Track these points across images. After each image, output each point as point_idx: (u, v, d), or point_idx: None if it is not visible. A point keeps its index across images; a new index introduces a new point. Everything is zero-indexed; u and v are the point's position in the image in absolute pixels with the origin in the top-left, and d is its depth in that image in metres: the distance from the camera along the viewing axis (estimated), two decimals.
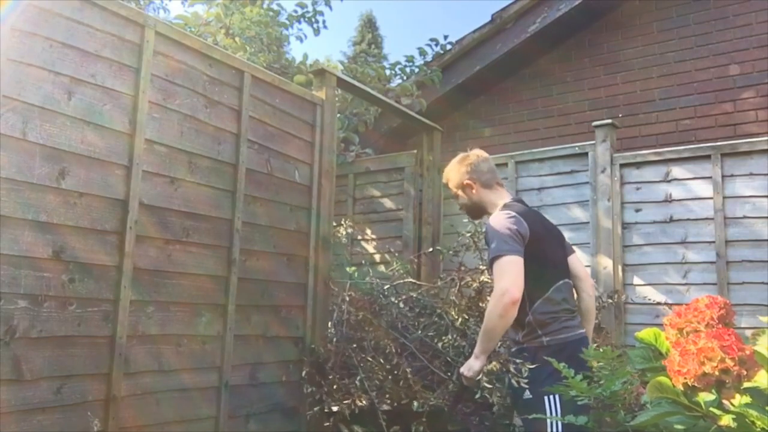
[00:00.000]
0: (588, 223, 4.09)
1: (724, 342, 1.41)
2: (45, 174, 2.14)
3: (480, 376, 2.47)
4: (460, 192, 2.70)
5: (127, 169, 2.41)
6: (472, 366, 2.43)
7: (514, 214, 2.41)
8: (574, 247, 2.77)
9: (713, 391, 1.44)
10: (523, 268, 2.29)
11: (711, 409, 1.46)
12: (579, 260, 2.68)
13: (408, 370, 2.90)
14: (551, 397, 2.25)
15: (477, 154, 2.69)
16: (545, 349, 2.32)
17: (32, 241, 2.09)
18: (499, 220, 2.40)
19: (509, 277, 2.27)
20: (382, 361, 2.95)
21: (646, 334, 1.86)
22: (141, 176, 2.45)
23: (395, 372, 2.91)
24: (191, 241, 2.66)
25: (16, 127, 2.06)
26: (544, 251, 2.43)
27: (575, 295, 2.62)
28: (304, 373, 3.09)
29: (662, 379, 1.53)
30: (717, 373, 1.39)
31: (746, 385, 1.44)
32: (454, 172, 2.71)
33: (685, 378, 1.42)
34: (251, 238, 2.97)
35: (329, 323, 3.27)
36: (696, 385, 1.42)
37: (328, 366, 3.01)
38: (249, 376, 2.92)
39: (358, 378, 2.89)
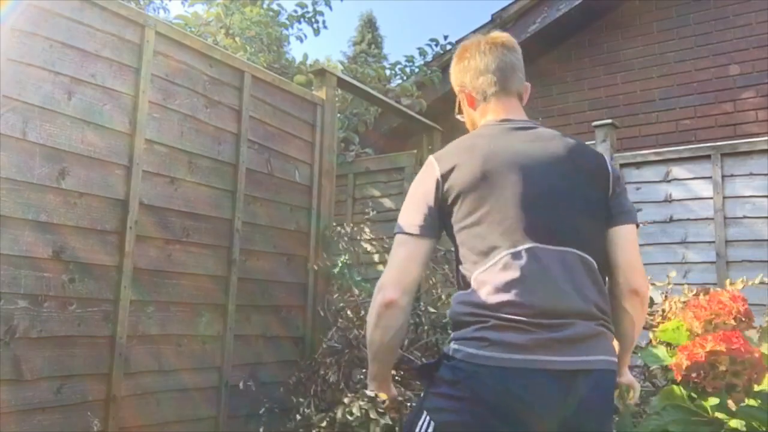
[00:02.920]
0: None
1: (733, 345, 1.39)
2: (45, 174, 2.14)
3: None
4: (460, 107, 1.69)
5: (127, 169, 2.41)
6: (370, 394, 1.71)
7: (431, 159, 1.52)
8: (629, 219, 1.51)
9: (722, 394, 1.42)
10: (423, 251, 1.47)
11: (716, 414, 1.44)
12: (628, 238, 1.47)
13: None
14: (424, 421, 1.36)
15: (479, 41, 1.61)
16: (446, 363, 1.38)
17: (32, 241, 2.09)
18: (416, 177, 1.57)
19: (389, 267, 1.50)
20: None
21: (668, 327, 1.79)
22: (141, 176, 2.45)
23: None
24: (191, 241, 2.66)
25: (16, 127, 2.06)
26: (488, 201, 1.41)
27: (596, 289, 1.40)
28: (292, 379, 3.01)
29: (673, 388, 1.51)
30: (727, 377, 1.37)
31: (757, 389, 1.42)
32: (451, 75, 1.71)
33: (695, 382, 1.41)
34: (251, 238, 2.97)
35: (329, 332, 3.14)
36: (706, 388, 1.40)
37: (321, 379, 2.91)
38: (249, 376, 2.92)
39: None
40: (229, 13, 4.83)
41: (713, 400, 1.43)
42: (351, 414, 1.99)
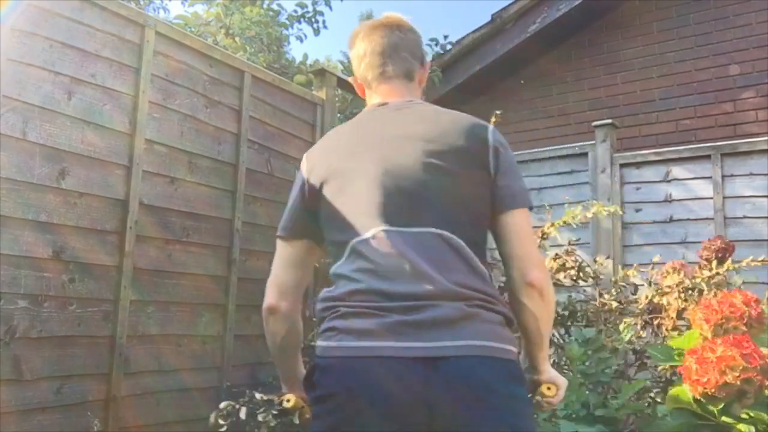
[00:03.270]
0: (588, 223, 4.09)
1: (745, 350, 1.36)
2: (45, 174, 2.14)
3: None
4: None
5: (127, 169, 2.41)
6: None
7: (303, 157, 1.45)
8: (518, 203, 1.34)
9: (731, 399, 1.39)
10: (295, 254, 1.43)
11: (723, 418, 1.42)
12: (516, 226, 1.32)
13: None
14: None
15: (363, 26, 1.52)
16: (315, 365, 1.26)
17: (32, 241, 2.09)
18: None
19: (271, 271, 1.45)
20: None
21: (681, 338, 1.75)
22: (141, 176, 2.45)
23: None
24: (191, 241, 2.66)
25: (16, 127, 2.06)
26: (343, 193, 1.33)
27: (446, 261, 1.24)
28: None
29: (679, 390, 1.49)
30: (738, 383, 1.33)
31: None
32: None
33: (705, 388, 1.38)
34: (251, 238, 2.97)
35: None
36: (716, 395, 1.38)
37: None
38: (249, 376, 2.92)
39: None
40: (229, 13, 4.82)
41: (720, 404, 1.41)
42: (225, 418, 1.93)
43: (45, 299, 2.12)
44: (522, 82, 5.61)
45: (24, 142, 2.08)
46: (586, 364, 2.18)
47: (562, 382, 1.38)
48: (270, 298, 1.40)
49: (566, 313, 2.78)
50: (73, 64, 2.25)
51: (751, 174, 3.64)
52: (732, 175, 3.68)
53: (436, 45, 5.58)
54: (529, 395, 1.34)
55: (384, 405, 1.13)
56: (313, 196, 1.36)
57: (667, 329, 2.37)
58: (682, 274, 2.46)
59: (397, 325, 1.17)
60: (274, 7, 5.23)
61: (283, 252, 1.43)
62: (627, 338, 2.16)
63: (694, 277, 2.48)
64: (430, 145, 1.30)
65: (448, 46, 5.62)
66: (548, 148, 4.49)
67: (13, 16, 2.08)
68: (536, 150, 4.48)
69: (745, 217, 3.61)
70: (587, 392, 2.04)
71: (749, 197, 3.62)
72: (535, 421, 1.24)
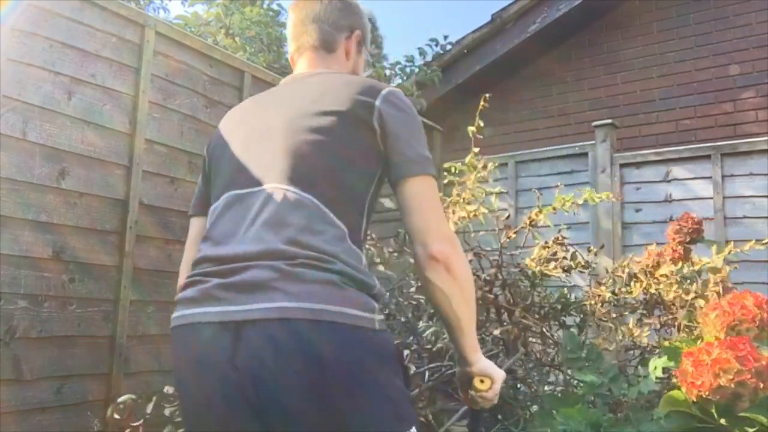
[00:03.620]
0: (588, 223, 4.09)
1: (740, 352, 1.36)
2: (45, 174, 2.14)
3: None
4: None
5: (127, 168, 2.41)
6: None
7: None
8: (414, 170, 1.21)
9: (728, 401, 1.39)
10: (200, 231, 1.35)
11: (722, 420, 1.42)
12: (412, 197, 1.20)
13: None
14: None
15: (292, 2, 1.50)
16: None
17: (32, 241, 2.09)
18: None
19: None
20: None
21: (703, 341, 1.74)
22: (141, 176, 2.45)
23: None
24: None
25: (16, 127, 2.06)
26: (220, 166, 1.30)
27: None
28: None
29: (675, 393, 1.49)
30: (733, 386, 1.33)
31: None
32: None
33: (700, 390, 1.37)
34: None
35: None
36: (711, 398, 1.38)
37: None
38: None
39: None
40: (229, 13, 4.82)
41: (718, 405, 1.40)
42: (122, 412, 1.92)
43: (45, 299, 2.12)
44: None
45: (24, 142, 2.09)
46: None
47: (498, 374, 1.26)
48: (180, 280, 1.37)
49: (559, 306, 2.75)
50: (73, 64, 2.25)
51: (751, 174, 3.64)
52: (732, 175, 3.68)
53: (436, 45, 5.58)
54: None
55: (199, 373, 1.11)
56: (209, 172, 1.35)
57: (673, 326, 2.32)
58: (680, 264, 2.41)
59: (215, 289, 1.11)
60: (274, 7, 5.23)
61: (191, 231, 1.39)
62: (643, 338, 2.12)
63: (693, 264, 2.43)
64: (305, 108, 1.22)
65: (448, 46, 5.61)
66: (548, 148, 4.49)
67: (13, 16, 2.08)
68: (536, 150, 4.48)
69: (745, 217, 3.61)
70: (597, 410, 1.97)
71: (749, 197, 3.62)
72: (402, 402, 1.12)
